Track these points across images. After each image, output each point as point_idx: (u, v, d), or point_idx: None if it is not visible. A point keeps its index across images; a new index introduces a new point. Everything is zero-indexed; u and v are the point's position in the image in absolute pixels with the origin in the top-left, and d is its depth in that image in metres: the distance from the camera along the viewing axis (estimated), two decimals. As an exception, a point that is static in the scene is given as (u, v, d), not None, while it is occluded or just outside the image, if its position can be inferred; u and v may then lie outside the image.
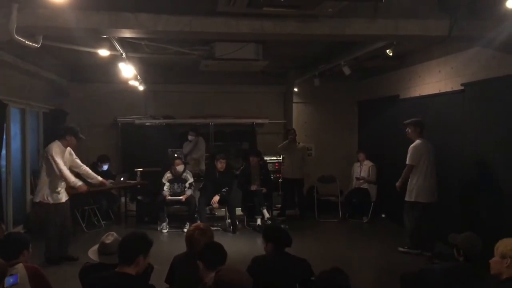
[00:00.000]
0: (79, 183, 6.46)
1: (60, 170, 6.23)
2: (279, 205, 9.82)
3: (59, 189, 6.40)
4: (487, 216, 6.25)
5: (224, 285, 2.70)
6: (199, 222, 8.06)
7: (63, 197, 6.49)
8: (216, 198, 8.49)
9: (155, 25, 5.07)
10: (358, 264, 6.82)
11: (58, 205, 6.39)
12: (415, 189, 6.84)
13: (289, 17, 5.08)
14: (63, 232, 6.54)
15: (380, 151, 9.41)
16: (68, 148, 6.52)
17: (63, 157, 6.36)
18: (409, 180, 6.91)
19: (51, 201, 6.32)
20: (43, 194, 6.29)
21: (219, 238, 3.81)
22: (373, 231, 8.70)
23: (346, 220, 9.45)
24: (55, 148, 6.29)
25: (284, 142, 9.54)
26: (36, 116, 9.15)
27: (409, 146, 6.99)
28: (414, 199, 6.85)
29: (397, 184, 7.02)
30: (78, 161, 6.76)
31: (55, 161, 6.21)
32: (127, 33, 5.47)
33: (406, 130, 7.06)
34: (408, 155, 6.89)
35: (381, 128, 9.41)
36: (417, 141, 6.90)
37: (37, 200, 6.39)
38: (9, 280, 3.30)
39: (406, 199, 6.95)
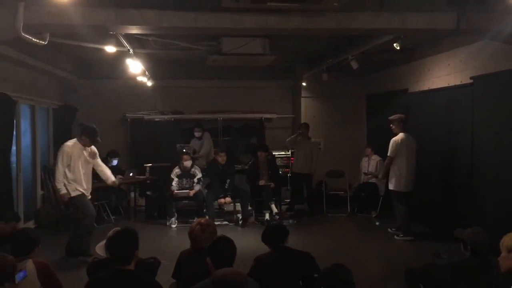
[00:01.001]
0: (63, 191, 6.30)
1: (54, 169, 6.32)
2: (288, 200, 9.83)
3: (89, 185, 6.54)
4: (496, 207, 6.22)
5: (222, 282, 2.73)
6: (207, 217, 8.17)
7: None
8: (228, 199, 8.68)
9: (160, 21, 5.08)
10: (367, 258, 6.80)
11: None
12: (395, 179, 7.37)
13: (294, 11, 5.05)
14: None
15: (389, 146, 9.34)
16: (92, 147, 6.58)
17: (73, 155, 6.32)
18: (390, 170, 7.46)
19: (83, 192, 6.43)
20: (82, 188, 6.40)
21: (227, 233, 3.81)
22: (382, 226, 8.65)
23: (354, 214, 9.43)
24: (66, 146, 6.32)
25: (292, 136, 9.55)
26: (46, 112, 9.25)
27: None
28: (394, 188, 7.42)
29: (380, 176, 7.85)
30: (99, 160, 6.84)
31: (57, 159, 6.29)
32: (133, 30, 5.50)
33: (390, 125, 7.54)
34: (389, 148, 7.41)
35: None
36: (399, 135, 7.40)
37: (76, 195, 6.36)
38: (19, 276, 3.35)
39: (390, 188, 7.52)
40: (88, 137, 6.41)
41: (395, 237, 7.52)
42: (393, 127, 7.52)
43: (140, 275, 3.25)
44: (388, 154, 7.43)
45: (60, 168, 6.25)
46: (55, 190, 6.45)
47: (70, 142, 6.42)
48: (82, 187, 6.43)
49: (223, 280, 2.75)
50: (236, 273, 2.85)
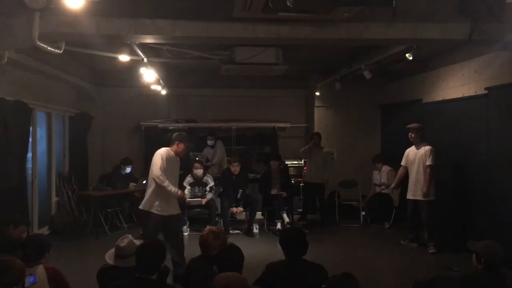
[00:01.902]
0: (179, 192, 5.82)
1: (154, 174, 5.64)
2: (300, 210, 9.80)
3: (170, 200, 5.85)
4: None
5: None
6: (221, 225, 8.19)
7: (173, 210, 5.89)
8: (240, 209, 8.70)
9: (173, 30, 5.15)
10: (378, 269, 6.75)
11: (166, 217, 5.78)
12: (433, 188, 7.25)
13: (305, 21, 5.08)
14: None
15: (402, 156, 9.28)
16: (177, 159, 6.01)
17: (167, 163, 5.70)
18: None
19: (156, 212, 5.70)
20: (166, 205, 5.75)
21: (239, 242, 3.82)
22: (395, 237, 8.56)
23: (368, 225, 9.35)
24: (162, 150, 5.79)
25: (305, 147, 9.54)
26: (62, 119, 9.37)
27: (431, 150, 7.25)
28: (431, 198, 7.26)
29: (425, 190, 7.18)
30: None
31: (153, 164, 5.69)
32: (146, 39, 5.57)
33: (410, 134, 7.42)
34: (431, 157, 7.17)
35: (404, 133, 9.25)
36: (426, 144, 7.33)
37: (154, 211, 5.71)
38: (29, 280, 3.40)
39: (426, 198, 7.21)
40: (182, 141, 5.90)
41: (429, 250, 7.22)
42: (413, 135, 7.39)
43: (163, 284, 3.30)
44: (432, 163, 7.18)
45: (160, 172, 5.58)
46: (173, 194, 5.75)
47: (163, 150, 5.81)
48: (167, 203, 5.76)
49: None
50: (238, 279, 2.85)
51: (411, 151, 7.54)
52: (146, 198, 5.78)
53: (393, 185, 7.95)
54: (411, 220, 7.63)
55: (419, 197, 7.28)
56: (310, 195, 9.64)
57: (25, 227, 4.84)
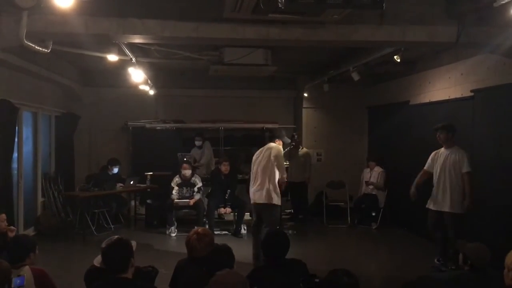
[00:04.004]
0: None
1: (284, 173, 6.61)
2: (288, 210, 9.81)
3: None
4: (495, 221, 6.19)
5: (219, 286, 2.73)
6: (206, 226, 8.16)
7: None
8: (228, 210, 8.70)
9: (162, 31, 5.12)
10: (365, 271, 6.77)
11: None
12: (462, 197, 6.16)
13: (295, 23, 5.09)
14: None
15: (389, 157, 9.37)
16: None
17: None
18: (457, 188, 6.14)
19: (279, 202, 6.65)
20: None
21: (226, 243, 3.79)
22: (382, 237, 8.64)
23: (355, 226, 9.41)
24: (282, 154, 6.64)
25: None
26: (48, 119, 9.28)
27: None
28: (462, 211, 6.12)
29: (469, 202, 6.02)
30: None
31: (280, 162, 6.56)
32: (135, 39, 5.54)
33: (447, 135, 6.32)
34: (468, 162, 6.11)
35: (391, 134, 9.38)
36: (461, 147, 6.31)
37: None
38: (16, 281, 3.35)
39: (460, 211, 6.11)
40: (282, 139, 6.86)
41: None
42: (442, 136, 6.36)
43: (138, 283, 3.26)
44: (470, 170, 6.07)
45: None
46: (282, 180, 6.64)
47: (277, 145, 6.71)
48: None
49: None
50: (234, 276, 2.84)
51: (440, 154, 6.41)
52: (273, 194, 6.50)
53: (412, 189, 6.50)
54: (435, 236, 6.54)
55: (446, 209, 6.15)
56: (293, 195, 9.69)
57: (3, 214, 4.76)
